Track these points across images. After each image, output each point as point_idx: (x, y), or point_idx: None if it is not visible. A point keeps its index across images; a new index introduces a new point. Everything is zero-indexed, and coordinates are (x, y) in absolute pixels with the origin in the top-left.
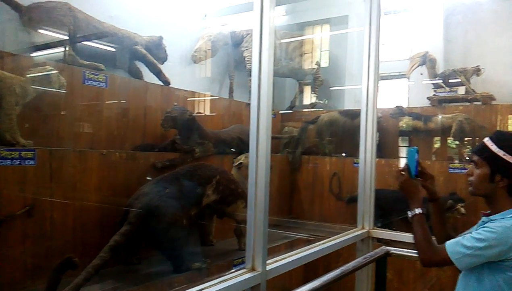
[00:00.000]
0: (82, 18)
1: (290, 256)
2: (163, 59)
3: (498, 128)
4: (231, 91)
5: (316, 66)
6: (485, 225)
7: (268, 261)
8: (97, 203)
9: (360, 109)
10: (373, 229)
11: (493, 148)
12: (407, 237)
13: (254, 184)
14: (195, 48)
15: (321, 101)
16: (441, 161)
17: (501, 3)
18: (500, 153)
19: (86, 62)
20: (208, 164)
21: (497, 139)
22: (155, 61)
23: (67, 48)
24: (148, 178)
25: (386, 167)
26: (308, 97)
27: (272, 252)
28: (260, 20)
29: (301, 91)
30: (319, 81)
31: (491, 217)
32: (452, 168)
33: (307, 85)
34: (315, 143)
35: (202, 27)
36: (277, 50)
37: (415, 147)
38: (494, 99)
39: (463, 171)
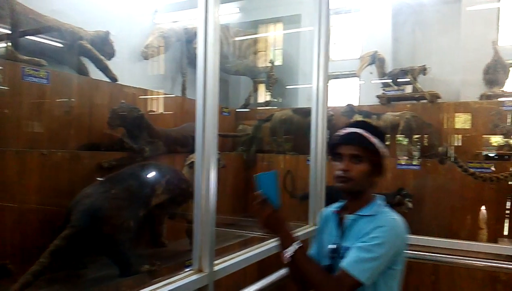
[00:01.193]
0: (20, 11)
1: (238, 255)
2: (111, 55)
3: (445, 126)
4: (184, 88)
5: (270, 65)
6: (376, 226)
7: (216, 262)
8: (38, 205)
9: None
10: None
11: (373, 139)
12: None
13: (200, 183)
14: (145, 44)
15: (275, 100)
16: (390, 157)
17: (444, 5)
18: (378, 144)
19: (26, 58)
20: (157, 163)
21: (371, 130)
22: (101, 56)
23: (5, 43)
24: (99, 179)
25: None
26: (263, 95)
27: (225, 251)
28: (204, 15)
29: (255, 90)
30: (273, 79)
31: (361, 212)
32: (399, 164)
33: (262, 83)
34: (270, 141)
35: (153, 23)
36: (231, 48)
37: (274, 170)
38: (440, 98)
39: (409, 167)
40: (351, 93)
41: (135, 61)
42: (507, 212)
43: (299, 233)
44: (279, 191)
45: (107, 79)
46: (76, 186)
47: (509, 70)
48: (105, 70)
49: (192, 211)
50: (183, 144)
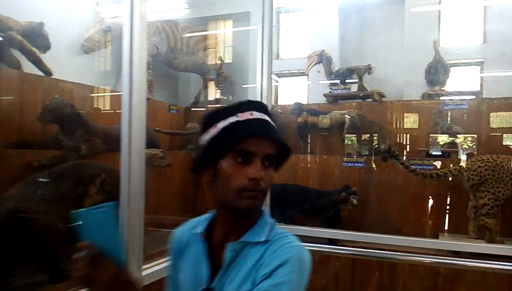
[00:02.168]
0: None
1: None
2: (45, 48)
3: (389, 124)
4: None
5: (219, 62)
6: (278, 264)
7: (146, 266)
8: None
9: None
10: None
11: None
12: (303, 230)
13: (127, 182)
14: (85, 37)
15: (225, 97)
16: (336, 155)
17: (388, 5)
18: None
19: None
20: (92, 162)
21: (271, 117)
22: (34, 49)
23: None
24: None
25: (287, 162)
26: (213, 93)
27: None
28: (130, 3)
29: (205, 87)
30: (223, 77)
31: (249, 237)
32: (345, 162)
33: (212, 81)
34: None
35: (95, 15)
36: (178, 44)
37: (110, 202)
38: (384, 97)
39: (355, 164)
40: (300, 91)
41: (75, 55)
42: (448, 207)
43: None
44: (120, 236)
45: (42, 74)
46: (0, 187)
47: (450, 70)
48: (38, 63)
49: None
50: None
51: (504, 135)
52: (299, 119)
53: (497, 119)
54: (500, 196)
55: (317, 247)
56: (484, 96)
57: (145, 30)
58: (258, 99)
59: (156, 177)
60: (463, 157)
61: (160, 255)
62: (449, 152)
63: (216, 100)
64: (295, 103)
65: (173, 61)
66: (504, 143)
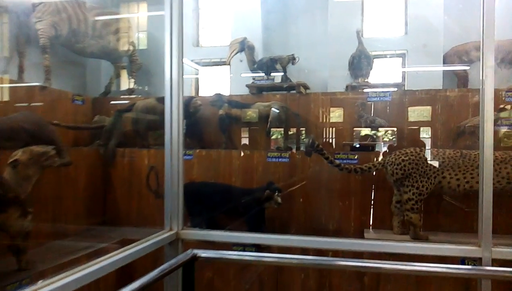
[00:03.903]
0: None
1: (71, 274)
2: None
3: (313, 117)
4: (21, 70)
5: (131, 48)
6: None
7: (40, 284)
8: None
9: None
10: (183, 229)
11: None
12: (219, 236)
13: None
14: None
15: (140, 87)
16: (260, 150)
17: None
18: None
19: None
20: None
21: None
22: None
23: None
24: None
25: (207, 158)
26: (126, 82)
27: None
28: None
29: (117, 76)
30: (137, 64)
31: None
32: (270, 157)
33: (125, 69)
34: (132, 133)
35: None
36: (82, 26)
37: None
38: (308, 88)
39: (279, 159)
40: (222, 82)
41: None
42: (372, 202)
43: (150, 242)
44: None
45: None
46: None
47: (373, 61)
48: None
49: (13, 221)
50: (10, 137)
51: (421, 128)
52: (221, 112)
53: (414, 113)
54: (424, 190)
55: (237, 255)
56: (406, 89)
57: None
58: (167, 89)
59: (54, 178)
60: (383, 150)
61: (54, 271)
62: (373, 145)
63: (130, 90)
64: (216, 94)
65: (76, 45)
66: (421, 136)
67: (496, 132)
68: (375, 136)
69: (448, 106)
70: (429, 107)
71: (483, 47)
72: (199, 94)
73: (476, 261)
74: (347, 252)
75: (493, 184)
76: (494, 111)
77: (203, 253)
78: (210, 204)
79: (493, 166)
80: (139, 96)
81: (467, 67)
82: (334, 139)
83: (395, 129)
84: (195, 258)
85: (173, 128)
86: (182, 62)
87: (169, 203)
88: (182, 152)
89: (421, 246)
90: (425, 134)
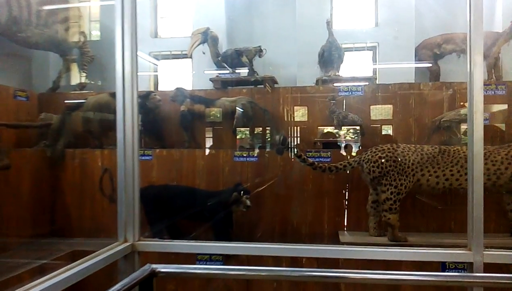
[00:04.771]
0: None
1: None
2: None
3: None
4: None
5: (82, 39)
6: None
7: None
8: None
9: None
10: (140, 240)
11: None
12: (181, 246)
13: None
14: None
15: (92, 82)
16: (226, 149)
17: None
18: None
19: None
20: None
21: None
22: None
23: None
24: None
25: (168, 158)
26: (77, 76)
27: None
28: None
29: (67, 70)
30: (88, 57)
31: None
32: (237, 156)
33: (76, 62)
34: (83, 132)
35: None
36: (24, 13)
37: None
38: (277, 83)
39: (247, 159)
40: (183, 76)
41: None
42: (347, 202)
43: (100, 257)
44: None
45: None
46: None
47: (344, 54)
48: None
49: None
50: None
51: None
52: (182, 108)
53: (385, 109)
54: (402, 189)
55: (202, 269)
56: (378, 83)
57: None
58: (120, 83)
59: None
60: (355, 148)
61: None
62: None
63: (81, 85)
64: (177, 89)
65: (18, 34)
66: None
67: (423, 131)
68: (337, 135)
69: (422, 100)
70: (400, 102)
71: (470, 36)
72: (159, 89)
73: (465, 266)
74: (322, 259)
75: None
76: (456, 108)
77: (163, 268)
78: (172, 209)
79: None
80: (91, 91)
81: (430, 65)
82: (305, 137)
83: (358, 127)
84: (154, 274)
85: (127, 126)
86: (136, 55)
87: (123, 210)
88: (137, 152)
89: (406, 252)
90: (399, 130)
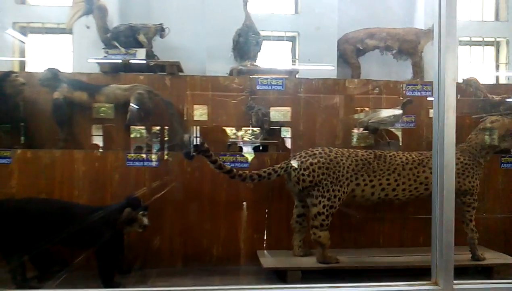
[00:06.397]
0: None
1: None
2: None
3: (190, 107)
4: None
5: None
6: None
7: None
8: None
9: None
10: None
11: None
12: None
13: None
14: None
15: None
16: (116, 150)
17: None
18: None
19: None
20: None
21: None
22: None
23: None
24: None
25: (35, 161)
26: None
27: None
28: None
29: None
30: None
31: None
32: (130, 160)
33: None
34: None
35: None
36: None
37: None
38: (182, 71)
39: (144, 163)
40: (60, 55)
41: None
42: (267, 217)
43: None
44: None
45: None
46: None
47: (262, 42)
48: None
49: None
50: None
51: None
52: (56, 96)
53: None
54: (336, 201)
55: None
56: (299, 76)
57: None
58: None
59: None
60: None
61: None
62: (267, 144)
63: None
64: (49, 69)
65: None
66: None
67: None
68: (270, 133)
69: (348, 98)
70: (324, 100)
71: (440, 28)
72: (26, 70)
73: None
74: None
75: (410, 191)
76: (383, 108)
77: None
78: (39, 232)
79: (411, 169)
80: None
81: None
82: (218, 137)
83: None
84: None
85: None
86: None
87: None
88: None
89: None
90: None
